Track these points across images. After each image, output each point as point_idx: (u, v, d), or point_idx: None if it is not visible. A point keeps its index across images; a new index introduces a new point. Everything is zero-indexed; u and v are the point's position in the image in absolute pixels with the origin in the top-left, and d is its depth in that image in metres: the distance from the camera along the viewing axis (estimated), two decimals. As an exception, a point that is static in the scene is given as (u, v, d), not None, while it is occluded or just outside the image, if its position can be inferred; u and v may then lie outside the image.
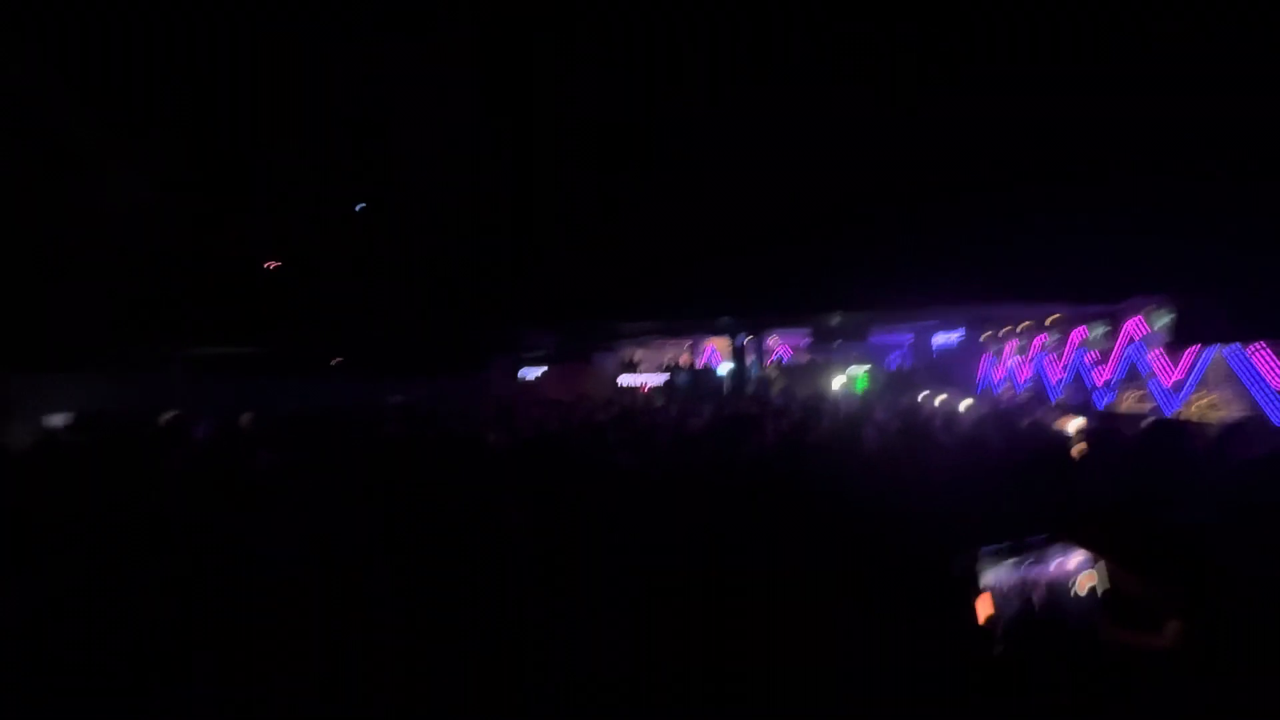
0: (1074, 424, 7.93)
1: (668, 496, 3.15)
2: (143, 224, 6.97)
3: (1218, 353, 7.63)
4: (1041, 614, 0.95)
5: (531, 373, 14.66)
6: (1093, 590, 0.91)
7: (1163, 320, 8.47)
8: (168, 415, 6.87)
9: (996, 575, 0.97)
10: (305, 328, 8.77)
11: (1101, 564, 0.93)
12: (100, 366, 9.98)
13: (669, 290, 8.15)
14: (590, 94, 4.76)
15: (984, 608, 0.89)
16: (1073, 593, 0.90)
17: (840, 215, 6.15)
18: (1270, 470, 2.84)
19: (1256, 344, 7.07)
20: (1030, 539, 1.06)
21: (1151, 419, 6.65)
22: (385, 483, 3.26)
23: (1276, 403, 6.92)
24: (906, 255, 6.05)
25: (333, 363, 12.60)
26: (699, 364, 15.97)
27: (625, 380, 14.87)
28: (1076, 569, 0.93)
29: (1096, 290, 6.61)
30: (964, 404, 10.70)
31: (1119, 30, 3.92)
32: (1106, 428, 6.51)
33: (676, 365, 14.87)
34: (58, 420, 7.47)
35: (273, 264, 7.76)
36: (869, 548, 2.49)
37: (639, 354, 16.21)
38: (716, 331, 14.09)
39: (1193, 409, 7.82)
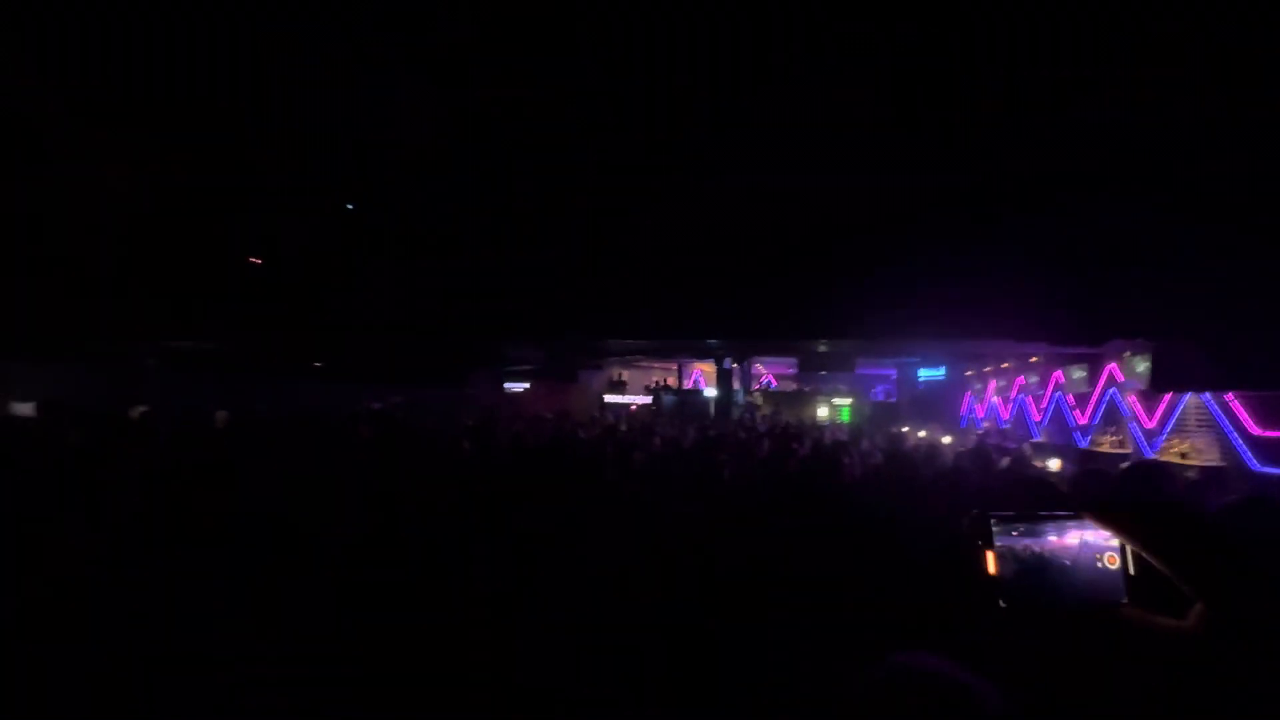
0: (1053, 463, 8.02)
1: (646, 509, 3.10)
2: (119, 213, 6.86)
3: (1194, 399, 7.77)
4: (1055, 579, 0.90)
5: (516, 387, 14.55)
6: (1116, 569, 0.87)
7: (1141, 365, 8.62)
8: (138, 410, 6.70)
9: (1007, 538, 0.93)
10: (287, 328, 8.64)
11: (1127, 546, 0.89)
12: (72, 357, 9.74)
13: (658, 311, 8.16)
14: (588, 107, 4.78)
15: (990, 563, 0.85)
16: (1099, 565, 0.86)
17: (829, 245, 6.20)
18: (1249, 512, 2.87)
19: (1231, 393, 7.21)
20: (1047, 511, 1.02)
21: (1132, 460, 6.67)
22: (354, 483, 3.18)
23: (1249, 449, 7.03)
24: (891, 288, 6.11)
25: (315, 365, 12.42)
26: (686, 386, 15.97)
27: (611, 399, 14.79)
28: (1100, 546, 0.89)
29: (1076, 333, 6.71)
30: (946, 439, 10.79)
31: (1099, 85, 4.05)
32: (1090, 469, 6.56)
33: (663, 386, 14.83)
34: (22, 408, 7.26)
35: (255, 260, 7.65)
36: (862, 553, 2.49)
37: (625, 374, 16.18)
38: (704, 355, 14.11)
39: (1170, 453, 7.92)
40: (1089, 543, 0.83)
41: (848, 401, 14.76)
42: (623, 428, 9.44)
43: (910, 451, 6.95)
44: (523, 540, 2.57)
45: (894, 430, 10.99)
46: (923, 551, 2.76)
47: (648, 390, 15.06)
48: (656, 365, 16.89)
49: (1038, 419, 11.46)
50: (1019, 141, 4.49)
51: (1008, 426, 12.36)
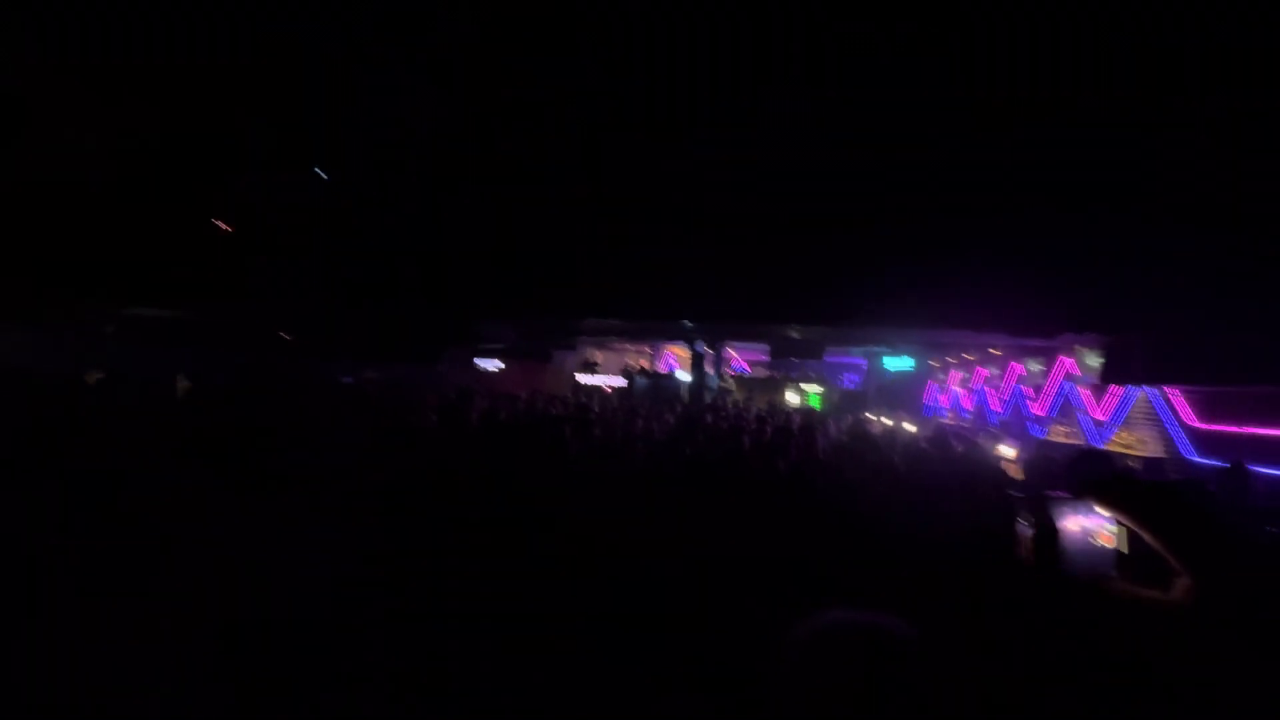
0: (1009, 450, 8.35)
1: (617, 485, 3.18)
2: (80, 175, 6.61)
3: (1142, 393, 8.15)
4: (1065, 551, 1.01)
5: (489, 365, 14.46)
6: (1110, 547, 0.97)
7: (1094, 360, 8.99)
8: (95, 376, 6.51)
9: (1044, 514, 1.02)
10: (255, 297, 8.45)
11: (1121, 524, 0.98)
12: (28, 323, 9.39)
13: (633, 291, 8.19)
14: (572, 89, 4.76)
15: (1044, 537, 0.95)
16: (1093, 543, 0.96)
17: (801, 232, 6.30)
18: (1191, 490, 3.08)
19: (1174, 388, 7.59)
20: (1050, 493, 1.12)
21: (1079, 448, 7.00)
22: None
23: (1189, 441, 7.43)
24: (857, 276, 6.26)
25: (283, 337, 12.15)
26: (660, 369, 16.08)
27: (584, 380, 14.83)
28: (1096, 525, 0.99)
29: (1033, 325, 6.97)
30: (910, 427, 11.12)
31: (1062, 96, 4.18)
32: (1041, 454, 6.87)
33: (637, 369, 14.92)
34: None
35: (224, 226, 7.44)
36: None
37: (599, 355, 16.21)
38: (677, 338, 14.21)
39: (1117, 444, 8.31)
40: (1088, 523, 0.94)
41: (818, 389, 15.06)
42: (595, 408, 9.51)
43: (873, 435, 7.18)
44: (491, 521, 2.62)
45: (859, 415, 11.25)
46: (890, 523, 2.91)
47: (622, 372, 15.13)
48: (630, 348, 16.96)
49: (998, 409, 11.87)
50: (985, 146, 4.62)
51: (969, 416, 12.77)
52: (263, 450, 3.04)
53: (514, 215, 7.12)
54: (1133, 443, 8.11)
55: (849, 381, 17.17)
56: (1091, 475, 3.65)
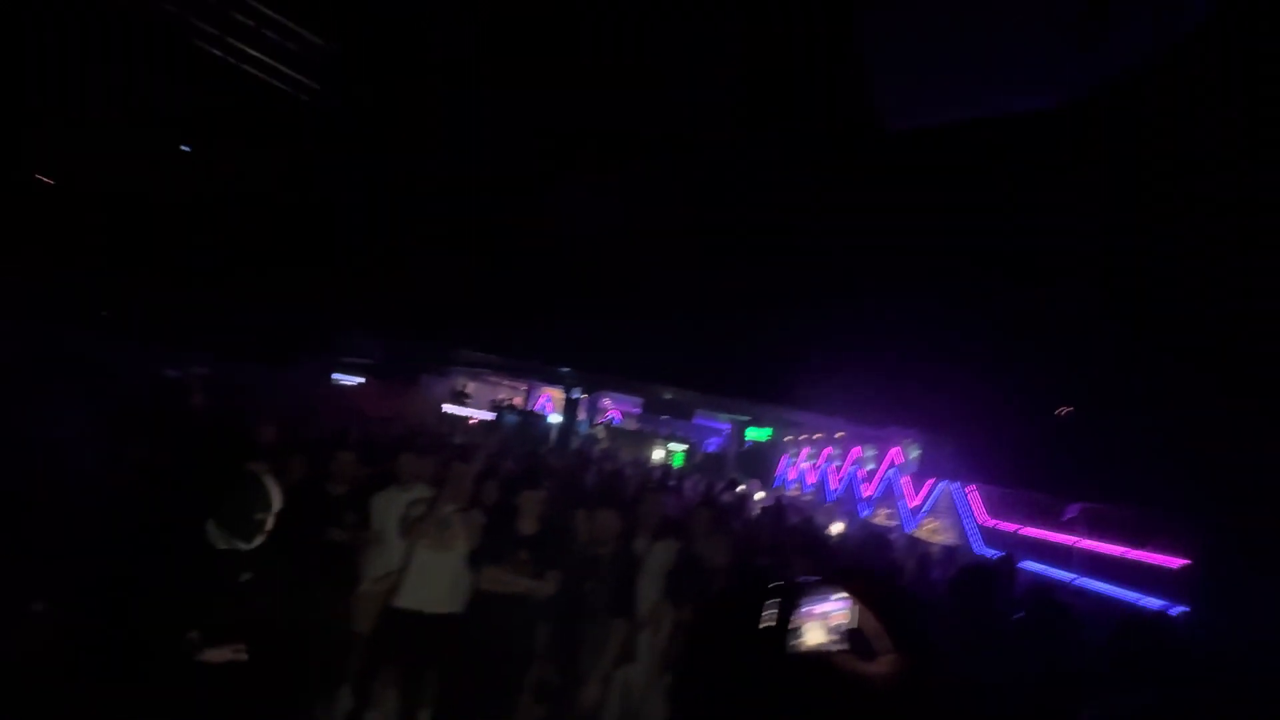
0: (836, 527, 9.13)
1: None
2: None
3: (944, 486, 9.34)
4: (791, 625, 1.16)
5: (347, 380, 13.39)
6: (841, 625, 1.12)
7: (915, 452, 10.21)
8: None
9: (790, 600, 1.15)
10: (73, 263, 7.30)
11: (856, 605, 1.15)
12: None
13: (513, 331, 8.14)
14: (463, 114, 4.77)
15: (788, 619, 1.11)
16: (829, 622, 1.12)
17: (684, 302, 6.66)
18: (960, 584, 3.56)
19: (972, 485, 8.79)
20: (806, 579, 1.28)
21: (871, 532, 7.79)
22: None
23: (978, 535, 8.58)
24: (723, 348, 6.72)
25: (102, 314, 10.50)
26: (532, 408, 15.85)
27: (451, 410, 14.21)
28: (835, 606, 1.15)
29: (864, 414, 7.83)
30: (758, 495, 11.81)
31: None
32: (851, 535, 7.58)
33: (508, 405, 14.60)
34: None
35: (44, 179, 6.44)
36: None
37: (471, 386, 15.69)
38: (554, 381, 14.17)
39: (923, 530, 9.39)
40: (828, 605, 1.09)
41: (683, 448, 15.61)
42: (457, 440, 9.15)
43: (722, 501, 7.55)
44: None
45: (712, 480, 11.77)
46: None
47: (493, 406, 14.72)
48: (505, 382, 16.61)
49: (835, 488, 12.97)
50: (840, 243, 5.26)
51: (811, 490, 13.81)
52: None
53: (401, 229, 6.86)
54: (936, 530, 9.20)
55: (713, 445, 17.97)
56: (878, 560, 4.13)
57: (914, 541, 8.58)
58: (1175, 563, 5.48)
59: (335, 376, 13.04)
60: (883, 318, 5.87)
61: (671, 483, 8.53)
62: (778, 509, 7.55)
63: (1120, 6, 1.71)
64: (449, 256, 7.12)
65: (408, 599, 3.28)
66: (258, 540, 2.23)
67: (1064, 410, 5.84)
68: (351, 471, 3.77)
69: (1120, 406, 5.23)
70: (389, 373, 12.91)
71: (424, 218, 6.61)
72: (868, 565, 4.16)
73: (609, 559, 3.48)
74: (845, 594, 1.08)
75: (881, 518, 10.72)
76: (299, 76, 5.35)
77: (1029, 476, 6.86)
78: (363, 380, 13.47)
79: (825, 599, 1.07)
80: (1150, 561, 5.73)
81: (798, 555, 3.87)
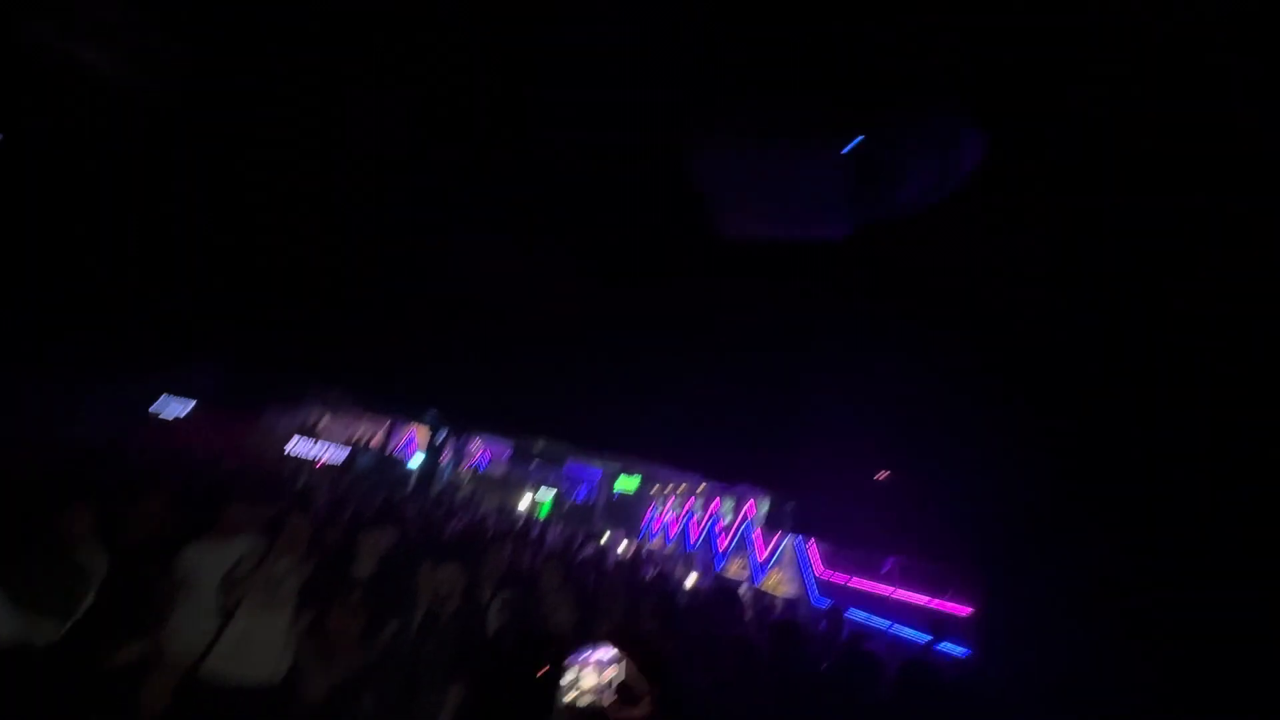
0: (691, 579, 9.47)
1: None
2: None
3: (789, 540, 10.09)
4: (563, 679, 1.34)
5: (172, 406, 11.62)
6: (613, 678, 1.28)
7: (765, 507, 10.95)
8: None
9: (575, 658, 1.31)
10: None
11: (626, 660, 1.32)
12: None
13: (378, 366, 7.74)
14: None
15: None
16: (602, 673, 1.28)
17: (558, 341, 6.66)
18: (776, 633, 3.89)
19: (811, 539, 9.58)
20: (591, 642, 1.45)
21: (720, 586, 8.25)
22: None
23: (815, 587, 9.32)
24: (589, 396, 6.90)
25: None
26: (392, 449, 14.86)
27: (297, 448, 12.92)
28: (609, 660, 1.31)
29: (720, 471, 8.32)
30: (622, 546, 11.94)
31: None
32: (700, 589, 7.91)
33: (364, 444, 13.63)
34: None
35: None
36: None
37: (325, 420, 14.46)
38: (419, 419, 13.49)
39: (768, 582, 10.01)
40: (604, 659, 1.24)
41: (550, 495, 15.40)
42: (299, 485, 8.37)
43: (578, 552, 7.58)
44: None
45: (575, 530, 11.78)
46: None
47: (347, 442, 13.64)
48: (366, 416, 15.53)
49: (695, 539, 13.46)
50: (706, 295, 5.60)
51: (672, 541, 14.20)
52: None
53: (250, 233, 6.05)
54: (780, 583, 9.86)
55: (581, 494, 17.93)
56: (721, 612, 4.42)
57: (759, 594, 9.12)
58: (963, 610, 6.36)
59: (161, 402, 11.38)
60: (740, 374, 6.32)
61: (534, 534, 8.41)
62: (634, 561, 7.72)
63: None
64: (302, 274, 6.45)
65: (223, 666, 2.95)
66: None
67: (883, 474, 6.64)
68: (156, 521, 3.34)
69: (927, 472, 6.05)
70: (227, 400, 11.47)
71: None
72: (714, 618, 4.45)
73: (450, 617, 3.38)
74: (615, 651, 1.27)
75: (735, 569, 11.28)
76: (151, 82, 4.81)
77: (853, 531, 7.63)
78: (191, 407, 11.80)
79: (597, 656, 1.26)
80: (945, 610, 6.59)
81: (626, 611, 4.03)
